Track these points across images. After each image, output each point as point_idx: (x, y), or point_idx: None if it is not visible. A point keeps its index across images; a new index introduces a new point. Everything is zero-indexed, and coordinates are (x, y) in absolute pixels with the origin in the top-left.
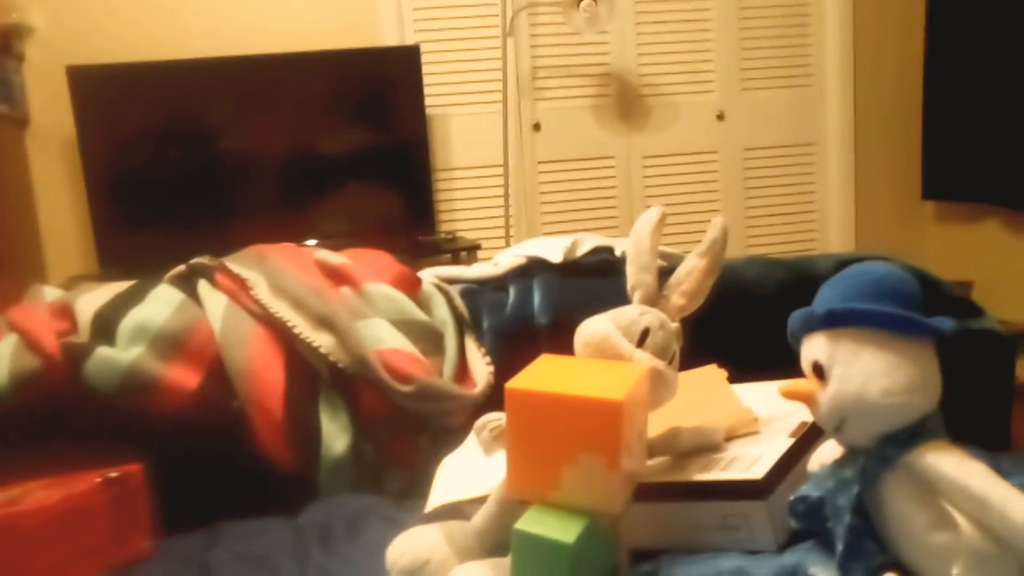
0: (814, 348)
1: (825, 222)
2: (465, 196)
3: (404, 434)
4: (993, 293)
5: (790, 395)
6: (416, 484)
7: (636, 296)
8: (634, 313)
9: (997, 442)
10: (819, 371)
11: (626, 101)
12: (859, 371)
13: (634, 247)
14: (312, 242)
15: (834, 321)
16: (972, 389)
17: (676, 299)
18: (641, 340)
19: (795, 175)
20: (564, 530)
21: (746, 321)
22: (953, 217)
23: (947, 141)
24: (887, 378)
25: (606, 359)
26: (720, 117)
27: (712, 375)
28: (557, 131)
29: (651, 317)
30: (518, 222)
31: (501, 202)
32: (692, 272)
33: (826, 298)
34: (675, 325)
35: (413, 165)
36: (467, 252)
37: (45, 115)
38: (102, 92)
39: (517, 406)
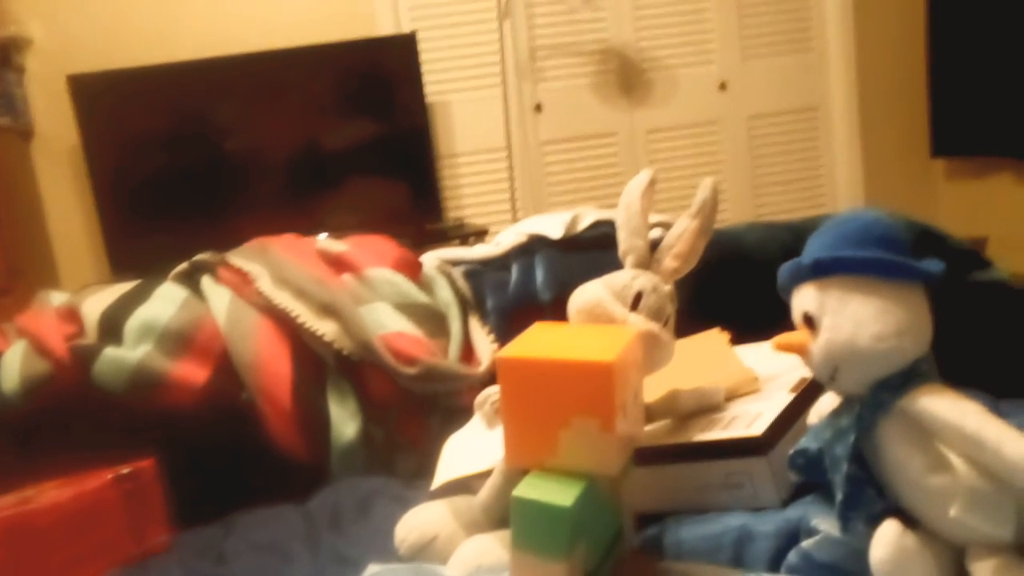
0: (803, 299)
1: (834, 186)
2: (470, 182)
3: (413, 416)
4: (1008, 247)
5: (783, 347)
6: (428, 465)
7: (628, 261)
8: (626, 277)
9: (1010, 393)
10: (810, 322)
11: (627, 76)
12: (848, 318)
13: (624, 212)
14: (322, 236)
15: (821, 270)
16: (982, 341)
17: (669, 262)
18: (634, 304)
19: (801, 140)
20: (562, 494)
21: (750, 285)
22: (964, 173)
23: (954, 96)
24: (877, 323)
25: (600, 324)
26: (722, 87)
27: (714, 339)
28: (559, 111)
29: (643, 281)
30: (525, 204)
31: (507, 186)
32: (684, 234)
33: (813, 248)
34: (668, 288)
35: (417, 153)
36: (475, 237)
37: (49, 125)
38: (103, 99)
39: (509, 375)
